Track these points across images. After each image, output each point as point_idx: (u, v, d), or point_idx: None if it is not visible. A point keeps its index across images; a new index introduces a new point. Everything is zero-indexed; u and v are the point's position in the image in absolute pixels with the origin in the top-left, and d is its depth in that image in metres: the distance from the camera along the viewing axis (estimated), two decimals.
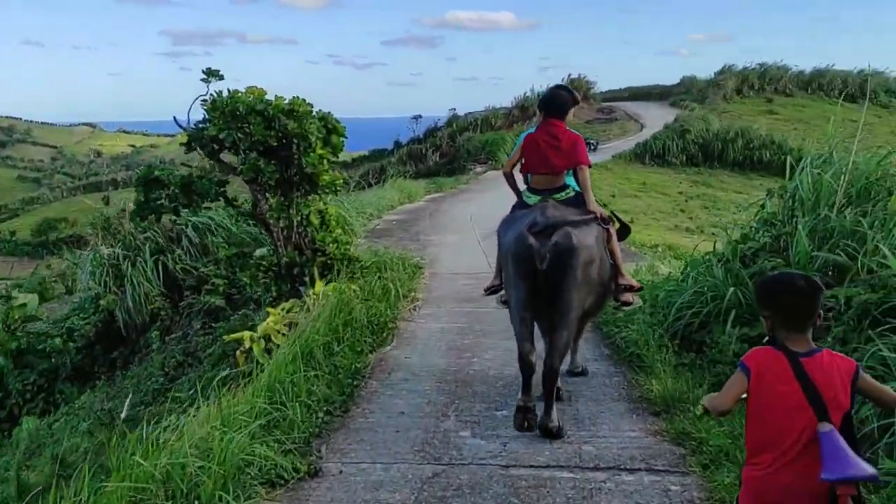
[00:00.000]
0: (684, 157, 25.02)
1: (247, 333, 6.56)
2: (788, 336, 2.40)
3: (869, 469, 2.21)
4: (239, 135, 6.45)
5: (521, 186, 4.90)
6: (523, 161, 4.69)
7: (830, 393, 2.29)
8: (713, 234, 18.18)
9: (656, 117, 29.73)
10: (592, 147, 23.84)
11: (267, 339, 6.51)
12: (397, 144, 34.83)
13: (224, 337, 6.99)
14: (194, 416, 3.79)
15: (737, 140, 24.80)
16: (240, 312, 8.84)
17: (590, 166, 4.61)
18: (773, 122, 28.67)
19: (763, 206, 6.45)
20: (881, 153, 5.73)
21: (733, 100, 31.75)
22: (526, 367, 4.25)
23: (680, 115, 27.51)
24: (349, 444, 4.18)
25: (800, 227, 5.56)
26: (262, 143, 6.51)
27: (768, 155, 24.41)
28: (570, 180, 4.67)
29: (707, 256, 6.66)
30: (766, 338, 2.50)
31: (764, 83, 32.50)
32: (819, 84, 32.79)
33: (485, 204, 16.50)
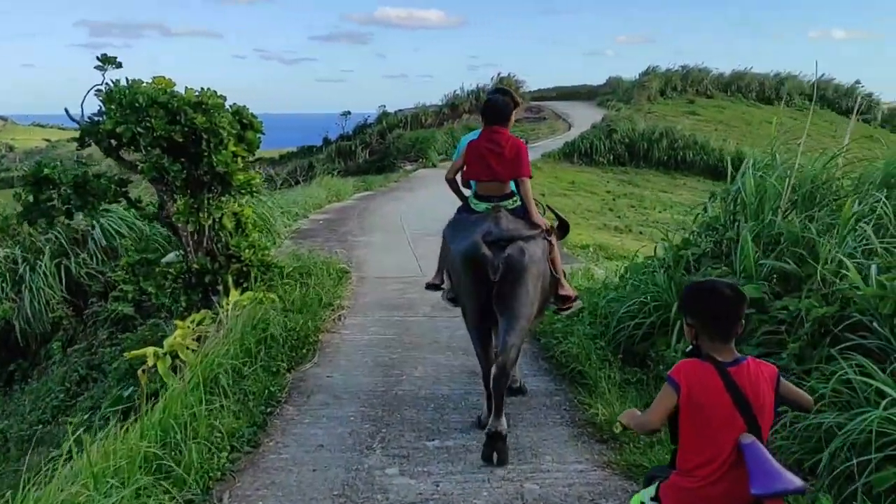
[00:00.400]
0: (611, 157, 24.99)
1: (151, 350, 5.82)
2: (713, 346, 2.33)
3: (797, 481, 2.18)
4: (139, 129, 5.69)
5: (465, 192, 4.66)
6: (465, 168, 4.46)
7: (759, 401, 2.26)
8: (641, 233, 18.23)
9: (584, 117, 29.69)
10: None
11: (176, 355, 5.82)
12: (326, 141, 33.85)
13: (125, 354, 6.23)
14: (62, 465, 3.10)
15: (661, 140, 24.93)
16: (149, 322, 8.07)
17: (531, 177, 4.44)
18: (696, 123, 28.99)
19: (705, 210, 6.09)
20: (827, 155, 5.41)
21: (657, 100, 32.01)
22: (489, 385, 4.10)
23: (607, 115, 27.50)
24: (257, 490, 3.56)
25: (744, 232, 5.22)
26: (166, 138, 5.78)
27: (691, 155, 24.66)
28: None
29: (648, 262, 6.29)
30: (689, 347, 2.44)
31: (686, 85, 32.89)
32: (738, 86, 33.40)
33: (415, 203, 15.96)
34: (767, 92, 33.26)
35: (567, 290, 4.58)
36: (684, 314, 2.45)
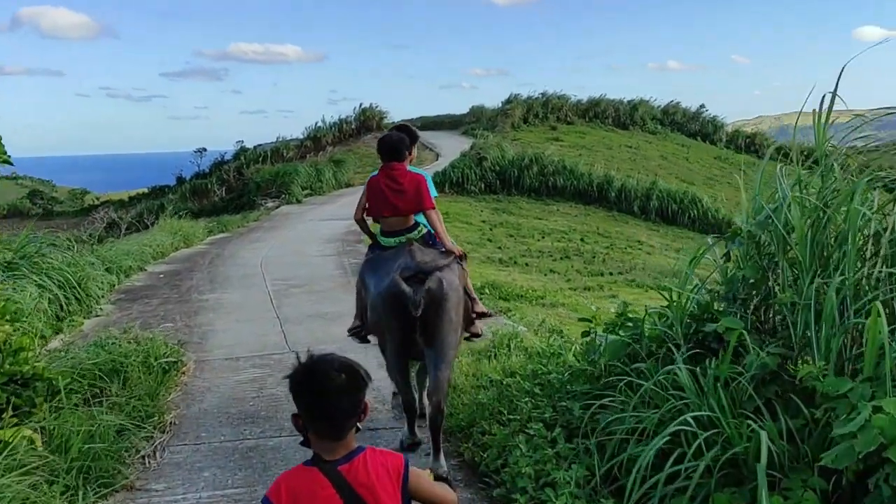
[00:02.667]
0: (483, 185, 23.25)
1: None
2: (322, 444, 1.81)
3: None
4: None
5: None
6: (367, 205, 4.38)
7: (377, 501, 1.78)
8: (527, 264, 16.25)
9: (451, 146, 27.88)
10: None
11: None
12: (180, 180, 30.04)
13: None
14: None
15: (532, 166, 23.43)
16: None
17: (435, 207, 4.37)
18: (560, 149, 27.84)
19: (726, 258, 3.76)
20: None
21: (521, 128, 30.75)
22: (412, 412, 4.13)
23: (476, 144, 25.73)
24: None
25: (829, 291, 2.94)
26: None
27: (561, 180, 23.40)
28: (420, 217, 4.43)
29: (633, 335, 3.89)
30: (302, 439, 1.88)
31: (547, 112, 31.78)
32: (595, 112, 32.74)
33: (278, 246, 13.06)
34: (623, 117, 32.89)
35: (481, 307, 4.48)
36: (294, 400, 1.84)
